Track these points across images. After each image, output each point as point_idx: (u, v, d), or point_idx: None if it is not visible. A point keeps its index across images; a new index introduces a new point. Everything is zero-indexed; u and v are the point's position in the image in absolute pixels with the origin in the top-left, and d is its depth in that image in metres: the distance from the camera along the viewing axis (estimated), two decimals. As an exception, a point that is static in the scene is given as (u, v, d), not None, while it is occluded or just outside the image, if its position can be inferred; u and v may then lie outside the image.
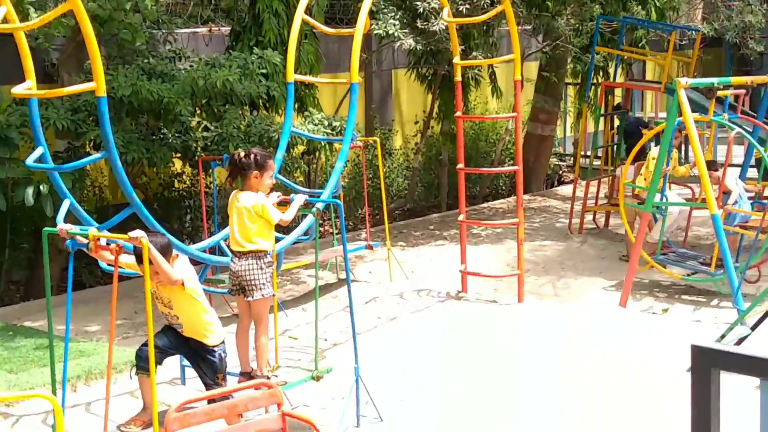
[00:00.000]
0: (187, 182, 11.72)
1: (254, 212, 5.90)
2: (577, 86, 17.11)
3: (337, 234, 10.62)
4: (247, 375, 6.06)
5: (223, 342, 5.58)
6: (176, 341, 5.54)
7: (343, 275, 10.25)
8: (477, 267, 9.99)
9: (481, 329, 8.24)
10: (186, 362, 6.49)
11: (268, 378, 5.99)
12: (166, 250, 5.31)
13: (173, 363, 6.73)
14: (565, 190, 15.89)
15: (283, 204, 6.26)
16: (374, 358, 7.36)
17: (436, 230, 12.93)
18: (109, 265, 5.48)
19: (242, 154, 5.95)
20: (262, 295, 5.95)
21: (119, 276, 5.14)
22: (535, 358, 7.34)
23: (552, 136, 16.16)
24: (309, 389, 6.54)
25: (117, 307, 5.19)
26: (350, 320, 6.37)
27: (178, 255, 5.44)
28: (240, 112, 9.63)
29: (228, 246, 7.79)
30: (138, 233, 4.94)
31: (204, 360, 5.54)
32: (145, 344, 5.34)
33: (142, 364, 5.41)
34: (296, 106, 10.21)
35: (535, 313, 8.74)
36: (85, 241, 5.21)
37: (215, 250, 8.10)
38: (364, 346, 7.18)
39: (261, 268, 5.91)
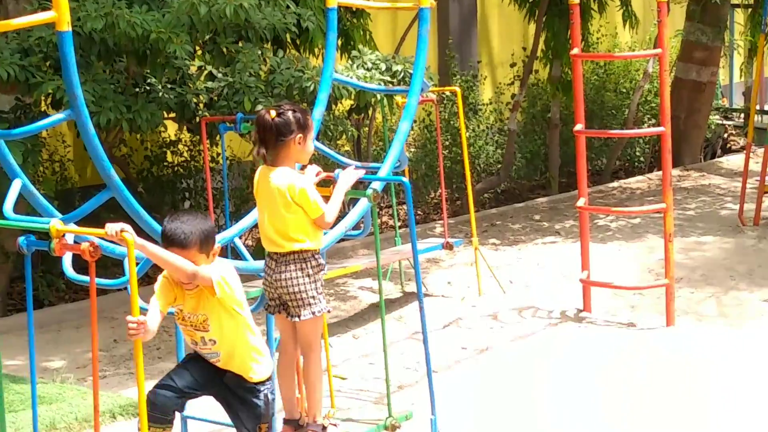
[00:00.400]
0: (185, 154, 11.79)
1: (290, 197, 5.87)
2: (750, 9, 16.84)
3: (401, 227, 10.60)
4: (293, 424, 6.10)
5: (270, 378, 5.55)
6: (204, 377, 5.47)
7: (409, 287, 10.21)
8: (605, 275, 9.91)
9: (613, 365, 8.17)
10: (189, 411, 6.50)
11: (324, 428, 6.01)
12: (206, 239, 5.28)
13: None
14: (733, 161, 15.67)
15: (325, 184, 6.24)
16: (457, 406, 7.34)
17: (544, 221, 12.85)
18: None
19: (273, 113, 5.92)
20: (313, 314, 5.94)
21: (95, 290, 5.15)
22: (695, 409, 7.24)
23: (713, 82, 15.95)
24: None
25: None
26: (423, 352, 6.34)
27: (219, 249, 5.41)
28: (259, 52, 9.64)
29: (248, 245, 7.83)
30: (119, 226, 4.94)
31: (244, 403, 5.48)
32: (161, 386, 5.31)
33: (157, 414, 5.31)
34: (340, 42, 10.18)
35: (692, 342, 8.65)
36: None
37: (227, 249, 8.12)
38: (442, 390, 7.15)
39: (308, 276, 5.91)
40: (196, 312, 5.37)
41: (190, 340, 5.48)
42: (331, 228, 6.37)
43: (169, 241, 5.19)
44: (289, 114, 5.91)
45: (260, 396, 5.48)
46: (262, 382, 5.50)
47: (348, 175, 6.21)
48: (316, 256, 5.97)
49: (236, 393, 5.49)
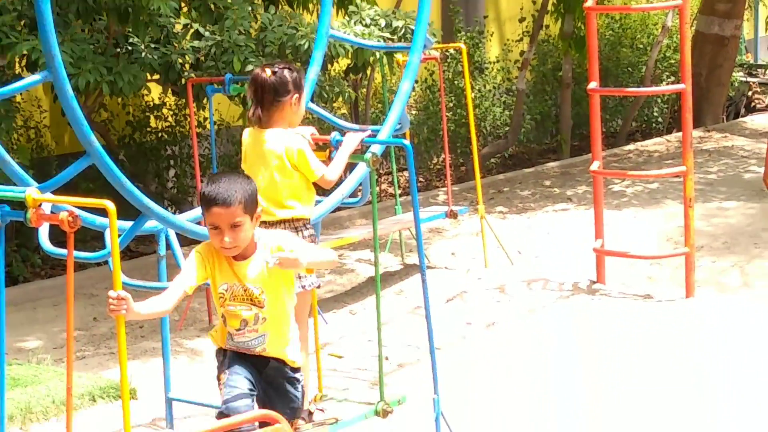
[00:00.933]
0: (170, 119, 11.77)
1: (287, 160, 5.90)
2: (776, -43, 16.82)
3: (402, 195, 10.59)
4: None
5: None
6: (252, 377, 5.18)
7: (410, 259, 10.21)
8: (620, 244, 9.91)
9: (628, 339, 8.19)
10: (174, 393, 6.51)
11: (311, 413, 6.01)
12: (251, 199, 5.03)
13: (155, 396, 6.78)
14: (758, 121, 15.66)
15: (320, 148, 6.25)
16: (463, 386, 7.36)
17: (555, 187, 12.83)
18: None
19: (269, 72, 6.00)
20: (303, 287, 5.95)
21: (74, 264, 5.14)
22: (717, 385, 7.25)
23: (736, 36, 15.90)
24: (365, 433, 6.57)
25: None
26: (426, 328, 6.35)
27: (261, 212, 5.17)
28: (249, 8, 9.61)
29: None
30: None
31: (283, 394, 5.22)
32: (234, 399, 5.03)
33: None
34: (336, -3, 10.16)
35: (713, 315, 8.65)
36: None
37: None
38: (446, 368, 7.15)
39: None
40: (256, 284, 5.09)
41: (239, 322, 5.13)
42: (333, 189, 6.40)
43: (211, 201, 4.92)
44: (285, 73, 6.03)
45: (298, 387, 5.23)
46: (299, 370, 5.26)
47: (355, 136, 6.26)
48: (308, 226, 5.99)
49: (274, 383, 5.21)
